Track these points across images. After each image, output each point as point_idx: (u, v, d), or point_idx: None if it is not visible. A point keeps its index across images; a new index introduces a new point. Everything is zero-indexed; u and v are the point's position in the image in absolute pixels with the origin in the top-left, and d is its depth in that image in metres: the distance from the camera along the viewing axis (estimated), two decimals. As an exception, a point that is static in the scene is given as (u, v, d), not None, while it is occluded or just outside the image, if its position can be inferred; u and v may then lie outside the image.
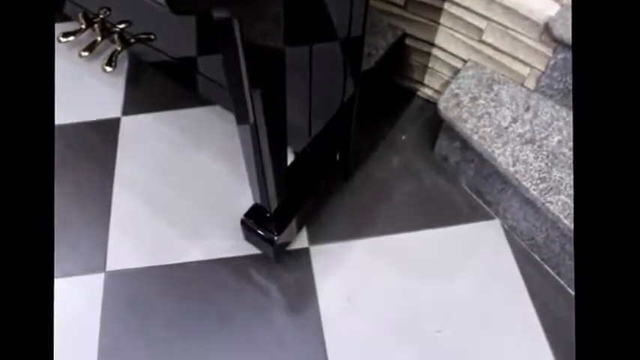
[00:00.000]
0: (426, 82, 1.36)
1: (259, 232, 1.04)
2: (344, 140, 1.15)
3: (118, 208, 1.20)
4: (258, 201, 1.01)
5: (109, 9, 1.39)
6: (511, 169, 1.03)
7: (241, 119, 0.79)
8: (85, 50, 1.40)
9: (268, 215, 1.01)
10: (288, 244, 1.13)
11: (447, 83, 1.18)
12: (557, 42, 1.02)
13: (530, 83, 1.14)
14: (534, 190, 1.01)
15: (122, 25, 1.40)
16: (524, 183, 1.02)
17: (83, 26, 1.42)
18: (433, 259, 1.14)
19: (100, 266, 1.13)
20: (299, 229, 1.14)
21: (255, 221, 1.04)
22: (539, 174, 1.03)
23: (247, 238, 1.10)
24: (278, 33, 0.70)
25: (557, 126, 1.09)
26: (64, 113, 1.36)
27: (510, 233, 1.17)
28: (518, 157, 1.05)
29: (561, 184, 1.01)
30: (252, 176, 0.93)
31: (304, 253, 1.15)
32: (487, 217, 1.20)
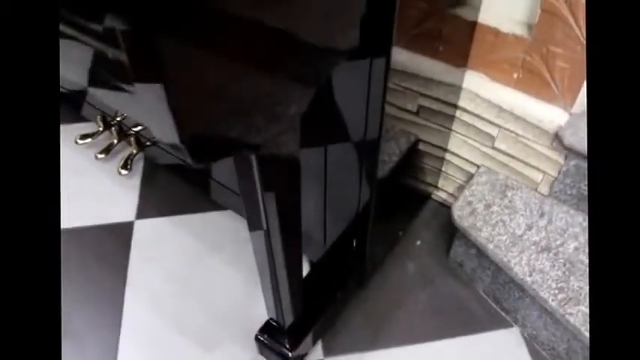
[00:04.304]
0: (440, 185, 1.36)
1: (273, 347, 1.01)
2: (360, 248, 1.14)
3: (130, 316, 1.18)
4: (273, 316, 1.00)
5: (126, 113, 1.43)
6: (528, 278, 1.02)
7: (254, 226, 0.77)
8: (101, 152, 1.43)
9: (283, 330, 0.99)
10: (303, 356, 1.10)
11: (461, 187, 1.19)
12: (568, 150, 1.03)
13: (544, 189, 1.14)
14: (553, 300, 0.99)
15: (137, 128, 1.44)
16: (542, 294, 0.99)
17: (101, 129, 1.46)
18: (453, 370, 1.11)
19: (110, 380, 1.10)
20: (315, 341, 1.11)
21: (269, 336, 1.02)
22: (556, 283, 1.01)
23: (261, 353, 1.07)
24: (294, 141, 0.69)
25: (572, 232, 1.08)
26: (76, 215, 1.36)
27: (531, 342, 1.14)
28: (535, 266, 1.03)
29: (580, 294, 0.99)
30: (267, 288, 0.92)
31: (319, 365, 1.11)
32: (506, 324, 1.17)
